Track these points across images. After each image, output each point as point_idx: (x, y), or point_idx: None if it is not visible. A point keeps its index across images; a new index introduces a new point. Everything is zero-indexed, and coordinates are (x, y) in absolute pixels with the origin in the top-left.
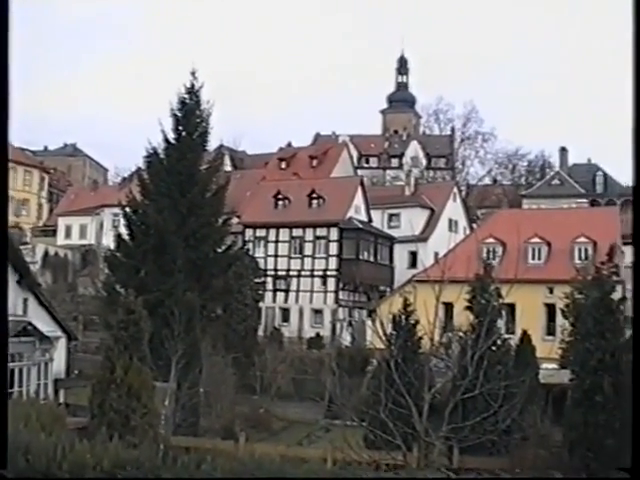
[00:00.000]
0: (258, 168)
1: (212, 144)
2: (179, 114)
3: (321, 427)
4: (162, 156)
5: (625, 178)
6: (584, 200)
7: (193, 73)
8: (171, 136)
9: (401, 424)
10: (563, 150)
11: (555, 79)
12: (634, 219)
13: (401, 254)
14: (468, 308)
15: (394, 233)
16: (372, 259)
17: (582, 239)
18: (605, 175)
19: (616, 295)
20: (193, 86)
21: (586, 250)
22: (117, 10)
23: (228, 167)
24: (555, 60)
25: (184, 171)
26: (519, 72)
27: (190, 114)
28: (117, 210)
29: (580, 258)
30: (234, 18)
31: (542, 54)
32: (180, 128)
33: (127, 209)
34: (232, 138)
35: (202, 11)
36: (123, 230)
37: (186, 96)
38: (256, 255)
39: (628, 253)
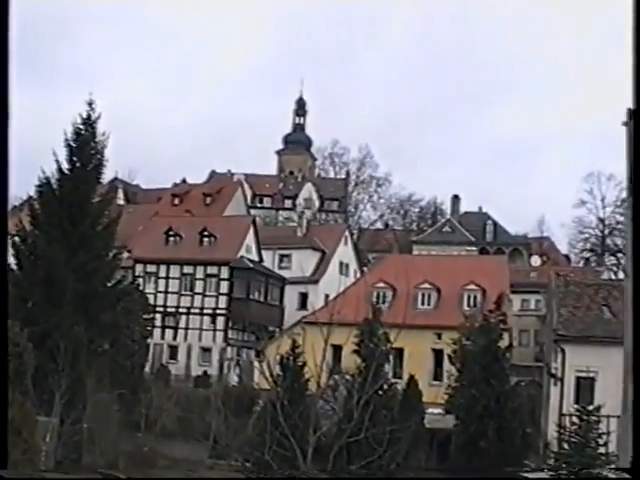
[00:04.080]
0: (151, 203)
1: (106, 176)
2: (74, 144)
3: (206, 467)
4: (55, 186)
5: (514, 227)
6: (474, 248)
7: (90, 104)
8: (65, 166)
9: (286, 466)
10: (455, 198)
11: (447, 126)
12: (634, 220)
13: (291, 295)
14: (356, 352)
15: (285, 274)
16: (262, 299)
17: (471, 286)
18: (495, 224)
19: (503, 343)
20: (89, 117)
21: (475, 297)
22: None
23: (121, 201)
24: (450, 108)
25: (76, 202)
26: (415, 119)
27: (85, 145)
28: None
29: (469, 305)
30: (131, 51)
31: (437, 102)
32: (74, 159)
33: (16, 238)
34: (127, 171)
35: (99, 42)
36: (11, 260)
37: (81, 126)
38: (146, 291)
39: (516, 302)
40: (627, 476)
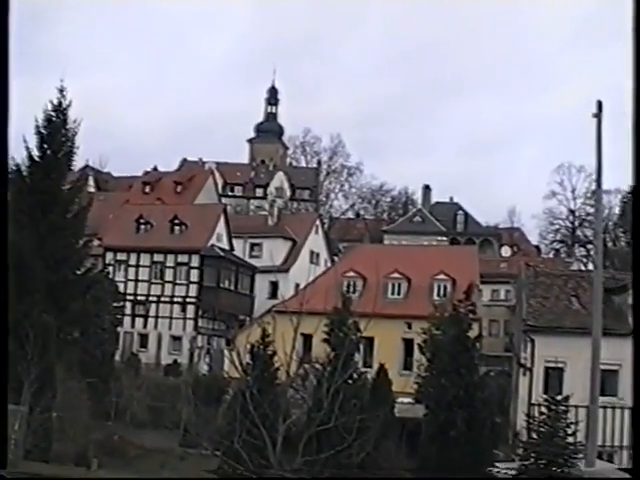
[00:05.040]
0: (122, 191)
1: (77, 163)
2: (44, 131)
3: (176, 455)
4: (25, 173)
5: (484, 218)
6: (444, 238)
7: (61, 90)
8: (35, 153)
9: (255, 455)
10: (426, 188)
11: (420, 117)
12: (634, 220)
13: (262, 284)
14: (326, 341)
15: (255, 263)
16: (233, 288)
17: (441, 276)
18: (466, 214)
19: (473, 333)
20: (60, 104)
21: (445, 287)
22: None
23: (92, 188)
24: (422, 99)
25: (47, 190)
26: (387, 109)
27: (56, 132)
28: None
29: (439, 295)
30: (103, 39)
31: (410, 93)
32: (45, 146)
33: None
34: (98, 159)
35: (72, 29)
36: None
37: (52, 113)
38: (116, 279)
39: (486, 292)
40: (627, 476)
